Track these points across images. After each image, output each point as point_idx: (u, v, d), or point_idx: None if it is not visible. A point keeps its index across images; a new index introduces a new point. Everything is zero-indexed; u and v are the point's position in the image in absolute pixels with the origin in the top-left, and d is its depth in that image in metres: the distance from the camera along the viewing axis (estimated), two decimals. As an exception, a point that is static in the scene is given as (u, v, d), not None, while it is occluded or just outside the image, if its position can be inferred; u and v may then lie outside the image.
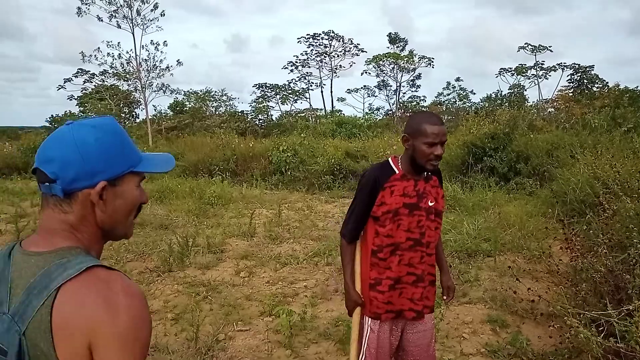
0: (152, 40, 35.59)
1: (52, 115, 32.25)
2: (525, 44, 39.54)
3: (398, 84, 44.26)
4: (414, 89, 44.91)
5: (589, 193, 6.28)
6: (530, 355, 3.50)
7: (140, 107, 35.44)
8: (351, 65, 48.63)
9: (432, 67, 43.98)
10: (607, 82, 33.79)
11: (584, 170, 7.18)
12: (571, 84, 37.12)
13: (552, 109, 30.53)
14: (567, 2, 75.52)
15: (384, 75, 44.13)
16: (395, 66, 43.21)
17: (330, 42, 43.71)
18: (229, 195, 10.37)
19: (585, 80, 36.50)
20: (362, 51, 43.97)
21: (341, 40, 43.55)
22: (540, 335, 3.73)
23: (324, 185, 12.10)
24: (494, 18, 79.85)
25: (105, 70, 31.72)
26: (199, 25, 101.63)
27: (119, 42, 31.01)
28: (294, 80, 44.64)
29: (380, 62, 42.98)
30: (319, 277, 5.42)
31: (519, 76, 41.13)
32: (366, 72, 44.34)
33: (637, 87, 21.17)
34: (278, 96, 43.04)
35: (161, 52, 29.75)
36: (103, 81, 35.23)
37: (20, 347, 0.90)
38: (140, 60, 29.64)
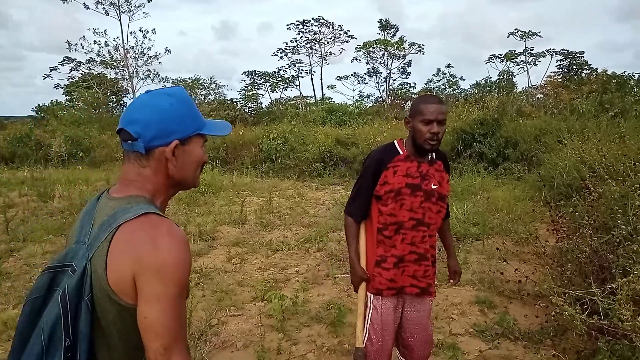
0: (140, 28, 35.17)
1: (38, 105, 31.69)
2: (515, 29, 39.62)
3: (388, 71, 44.20)
4: (404, 76, 44.89)
5: (575, 177, 6.37)
6: (517, 334, 3.58)
7: (129, 95, 35.06)
8: (341, 52, 48.60)
9: (423, 54, 44.22)
10: (597, 69, 34.01)
11: (571, 154, 7.28)
12: (560, 70, 37.32)
13: (541, 95, 30.72)
14: (556, -13, 75.62)
15: (374, 62, 44.03)
16: (386, 53, 43.11)
17: (320, 28, 43.45)
18: (220, 184, 10.36)
19: (574, 67, 36.71)
20: (352, 38, 43.79)
21: (331, 26, 43.31)
22: (527, 315, 3.82)
23: (315, 173, 12.13)
24: (485, 4, 79.80)
25: (91, 58, 31.36)
26: (187, 13, 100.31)
27: (105, 30, 30.64)
28: (283, 68, 44.41)
29: (371, 49, 42.84)
30: (310, 262, 5.47)
31: (508, 62, 41.25)
32: (356, 59, 44.19)
33: (624, 72, 21.39)
34: (268, 84, 42.82)
35: (149, 39, 29.44)
36: (90, 69, 34.79)
37: (85, 269, 1.11)
38: (128, 48, 29.29)
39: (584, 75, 33.64)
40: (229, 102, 34.11)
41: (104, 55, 29.84)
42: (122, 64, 30.15)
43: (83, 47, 29.11)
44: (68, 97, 34.60)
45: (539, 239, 4.24)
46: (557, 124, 11.19)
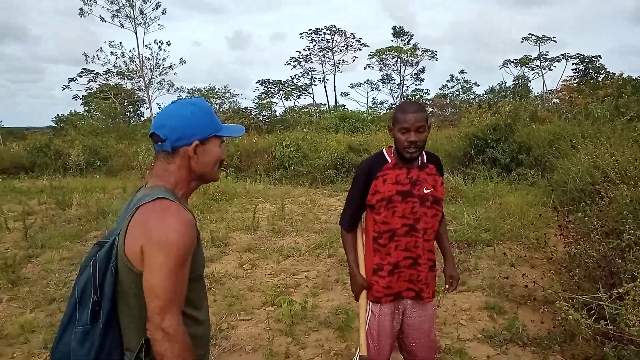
0: (155, 40, 35.78)
1: (57, 115, 32.48)
2: (528, 34, 39.40)
3: (401, 78, 44.23)
4: (417, 82, 44.90)
5: (588, 182, 6.31)
6: (525, 339, 3.57)
7: (145, 105, 35.63)
8: (354, 60, 48.72)
9: (436, 60, 43.99)
10: (614, 73, 33.56)
11: (584, 159, 7.21)
12: (576, 74, 36.92)
13: (557, 100, 30.43)
14: (571, -9, 74.90)
15: (387, 69, 44.11)
16: (399, 60, 43.15)
17: (332, 37, 43.74)
18: (233, 191, 10.47)
19: (590, 71, 36.29)
20: (365, 45, 43.99)
21: (343, 35, 43.57)
22: (534, 320, 3.80)
23: (327, 179, 12.19)
24: (497, 10, 79.40)
25: (108, 69, 31.96)
26: (201, 23, 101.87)
27: (120, 42, 31.23)
28: (297, 76, 44.75)
29: (384, 56, 42.91)
30: (320, 268, 5.51)
31: (523, 67, 40.97)
32: (369, 66, 44.36)
33: (640, 76, 21.08)
34: (281, 92, 43.11)
35: (164, 50, 29.94)
36: (107, 80, 35.48)
37: (114, 242, 1.39)
38: (143, 59, 29.80)
39: (600, 79, 33.21)
40: (244, 110, 34.48)
41: (120, 66, 30.38)
42: (138, 74, 30.65)
43: (100, 59, 29.70)
44: (86, 108, 35.29)
45: (548, 244, 4.22)
46: (571, 128, 11.08)
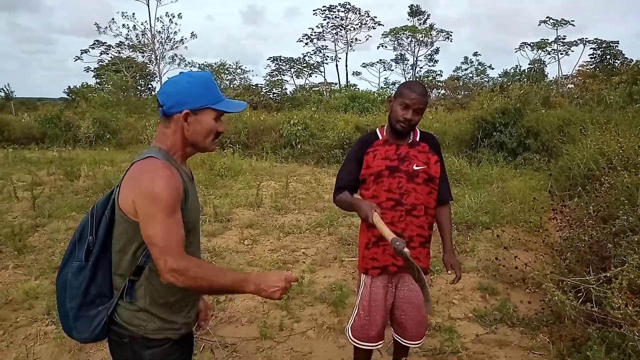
0: (167, 13, 35.58)
1: (69, 87, 32.69)
2: (546, 17, 38.61)
3: (415, 58, 43.74)
4: (431, 64, 44.38)
5: (592, 168, 6.29)
6: (515, 320, 3.64)
7: (156, 79, 35.64)
8: (367, 39, 48.03)
9: (451, 41, 43.35)
10: (631, 59, 32.90)
11: (590, 146, 7.17)
12: (593, 59, 36.22)
13: (572, 85, 29.96)
14: (593, -27, 72.90)
15: (401, 48, 43.60)
16: (413, 40, 42.61)
17: (346, 14, 43.20)
18: (239, 168, 10.55)
19: (608, 57, 35.57)
20: (379, 24, 43.46)
21: (358, 12, 43.02)
22: (523, 301, 3.87)
23: (333, 159, 12.21)
24: (516, -10, 77.55)
25: (121, 42, 31.96)
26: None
27: (133, 13, 31.11)
28: (309, 54, 44.38)
29: (398, 36, 42.37)
30: (320, 245, 5.59)
31: (539, 51, 40.28)
32: (383, 46, 43.90)
33: (658, 63, 20.59)
34: (293, 70, 42.85)
35: (175, 24, 29.81)
36: (119, 53, 35.49)
37: (112, 192, 1.59)
38: (155, 32, 29.71)
39: (617, 65, 32.57)
40: (254, 87, 34.36)
41: (132, 39, 30.33)
42: (149, 48, 30.60)
43: (112, 31, 29.71)
44: (98, 80, 35.43)
45: (544, 227, 4.25)
46: (581, 114, 10.98)
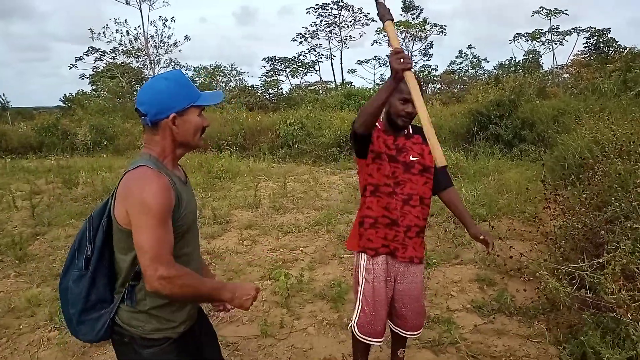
0: (160, 16, 35.57)
1: (65, 95, 32.65)
2: (540, 7, 38.60)
3: (410, 53, 43.67)
4: (426, 58, 44.39)
5: (586, 157, 6.32)
6: (512, 309, 3.68)
7: (151, 84, 35.59)
8: (361, 36, 48.18)
9: (445, 35, 43.31)
10: (626, 47, 32.93)
11: (585, 134, 7.20)
12: (587, 48, 36.24)
13: (567, 75, 30.00)
14: (584, -38, 72.85)
15: (395, 44, 43.52)
16: (407, 35, 42.58)
17: (339, 12, 43.15)
18: (237, 169, 10.59)
19: (602, 45, 35.59)
20: (373, 20, 43.36)
21: (351, 9, 42.97)
22: (520, 291, 3.89)
23: (331, 157, 12.24)
24: (509, -18, 77.50)
25: (115, 47, 31.94)
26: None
27: (125, 19, 31.07)
28: (303, 53, 44.39)
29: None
30: (318, 244, 5.62)
31: (533, 42, 40.30)
32: (377, 42, 43.79)
33: (652, 49, 20.62)
34: (288, 69, 42.85)
35: (169, 27, 29.81)
36: (114, 59, 35.47)
37: (108, 201, 1.62)
38: (148, 37, 29.72)
39: (611, 53, 32.59)
40: (250, 88, 34.38)
41: (125, 44, 30.33)
42: (143, 53, 30.60)
43: (106, 37, 29.68)
44: (93, 87, 35.42)
45: (539, 217, 4.29)
46: (575, 104, 11.02)
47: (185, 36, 35.57)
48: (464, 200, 6.49)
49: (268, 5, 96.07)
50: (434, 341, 3.33)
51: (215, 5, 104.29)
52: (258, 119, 15.26)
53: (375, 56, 45.05)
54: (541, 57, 39.00)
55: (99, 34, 29.69)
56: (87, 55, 37.15)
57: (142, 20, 32.86)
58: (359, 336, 2.55)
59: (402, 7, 42.92)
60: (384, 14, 2.12)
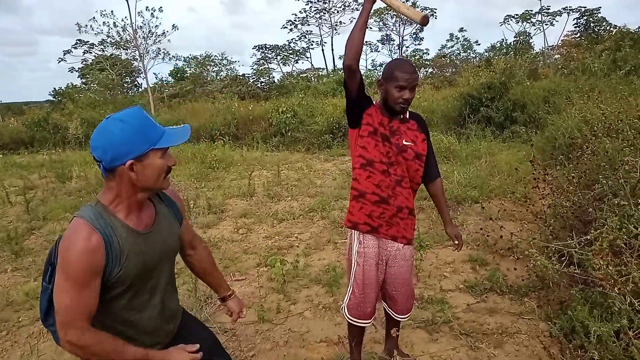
0: (147, 7, 35.17)
1: (54, 89, 32.34)
2: (529, -12, 38.40)
3: (401, 38, 43.55)
4: (417, 42, 44.27)
5: (576, 137, 6.38)
6: (504, 288, 3.75)
7: (142, 75, 35.35)
8: (351, 21, 47.65)
9: (435, 18, 43.06)
10: (616, 26, 32.93)
11: (575, 114, 7.26)
12: (577, 28, 36.22)
13: (558, 56, 30.02)
14: (574, -59, 72.23)
15: (386, 29, 43.37)
16: (398, 19, 42.37)
17: (329, -2, 42.78)
18: (230, 159, 10.59)
19: (592, 24, 35.57)
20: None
21: (340, -5, 42.60)
22: (509, 268, 3.97)
23: (324, 145, 12.26)
24: (498, -37, 77.01)
25: (103, 40, 31.62)
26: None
27: (112, 11, 30.71)
28: (294, 40, 44.08)
29: (382, 16, 42.13)
30: (313, 230, 5.68)
31: (524, 23, 40.23)
32: (368, 27, 43.51)
33: (639, 28, 20.70)
34: (279, 57, 42.59)
35: (156, 17, 29.50)
36: (102, 51, 35.14)
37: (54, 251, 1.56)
38: (136, 27, 29.40)
39: (601, 32, 32.60)
40: (241, 77, 34.17)
41: (113, 36, 30.02)
42: (132, 44, 30.31)
43: (93, 29, 29.37)
44: (83, 80, 35.11)
45: (529, 197, 4.35)
46: (566, 84, 11.07)
47: (173, 25, 35.30)
48: (455, 182, 6.56)
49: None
50: (428, 321, 3.40)
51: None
52: (250, 108, 15.22)
53: (366, 42, 44.72)
54: (532, 38, 39.00)
55: (86, 26, 29.36)
56: (76, 48, 36.80)
57: (129, 11, 32.46)
58: (349, 318, 2.62)
59: (391, -8, 42.60)
60: None
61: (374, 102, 2.47)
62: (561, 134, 6.92)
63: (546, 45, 37.50)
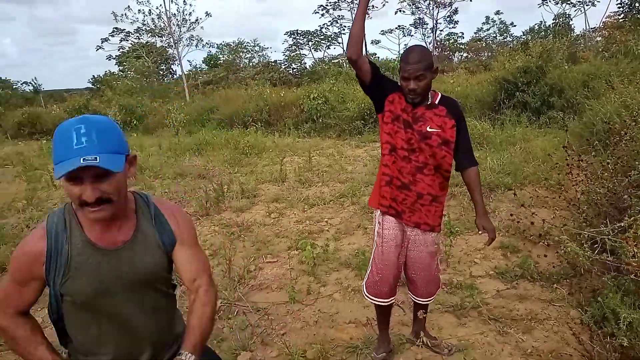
0: (180, -6, 35.66)
1: (93, 76, 33.38)
2: (571, -32, 36.93)
3: (435, 21, 42.66)
4: (451, 26, 43.28)
5: (615, 122, 6.20)
6: (535, 275, 3.73)
7: (176, 62, 35.95)
8: (384, 5, 46.88)
9: (471, 1, 41.91)
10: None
11: (615, 99, 7.04)
12: (621, 9, 34.59)
13: (600, 38, 28.84)
14: None
15: (419, 12, 42.56)
16: (431, 2, 41.49)
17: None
18: (262, 145, 10.75)
19: (637, 4, 33.89)
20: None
21: (373, -21, 41.94)
22: (539, 255, 3.92)
23: (355, 131, 12.25)
24: (539, -58, 74.08)
25: (139, 27, 32.26)
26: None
27: (148, -1, 31.25)
28: (325, 25, 43.83)
29: None
30: (343, 215, 5.75)
31: (563, 4, 38.74)
32: (400, 11, 42.79)
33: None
34: (310, 43, 42.46)
35: (189, 5, 29.89)
36: (138, 39, 35.85)
37: None
38: (170, 15, 29.86)
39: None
40: (273, 64, 34.34)
41: (148, 24, 30.60)
42: (167, 31, 30.83)
43: (128, 18, 29.99)
44: (120, 68, 36.02)
45: (563, 184, 4.29)
46: (607, 68, 10.68)
47: (206, 12, 35.55)
48: (489, 169, 6.49)
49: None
50: (457, 305, 3.43)
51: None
52: (282, 95, 15.32)
53: (399, 26, 43.99)
54: (572, 20, 37.55)
55: (122, 15, 30.04)
56: (113, 36, 37.66)
57: (164, -2, 32.89)
58: (366, 296, 2.69)
59: (424, -26, 41.70)
60: None
61: (399, 86, 2.43)
62: (599, 120, 6.72)
63: (587, 27, 36.09)
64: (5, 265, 4.61)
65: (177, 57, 31.39)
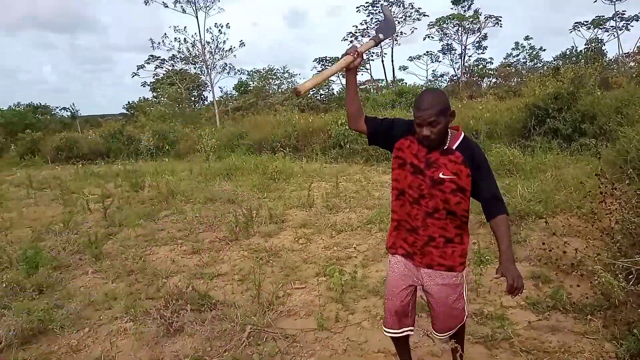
0: (215, 23, 36.85)
1: (128, 102, 34.52)
2: (602, -7, 36.61)
3: (463, 47, 42.69)
4: (480, 51, 43.17)
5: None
6: (568, 306, 3.65)
7: (208, 89, 36.93)
8: (412, 32, 47.56)
9: (500, 27, 41.84)
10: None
11: (650, 126, 6.90)
12: (656, 33, 33.94)
13: (633, 63, 28.31)
14: (652, -59, 67.98)
15: (447, 38, 42.69)
16: (460, 28, 41.61)
17: (390, 8, 42.73)
18: (290, 170, 10.88)
19: (672, 28, 33.22)
20: (424, 15, 42.62)
21: (401, 5, 42.48)
22: (572, 285, 3.84)
23: (382, 157, 12.27)
24: (568, -33, 73.92)
25: (174, 55, 33.39)
26: (258, 2, 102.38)
27: (185, 27, 32.39)
28: (353, 52, 44.25)
29: (444, 25, 41.54)
30: (371, 242, 5.75)
31: (595, 29, 38.32)
32: (429, 37, 43.04)
33: None
34: (339, 69, 42.93)
35: (224, 34, 30.84)
36: (173, 66, 37.06)
37: None
38: (204, 43, 30.83)
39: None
40: (301, 90, 34.76)
41: (183, 51, 31.64)
42: (200, 59, 31.80)
43: (165, 45, 31.11)
44: (154, 94, 37.17)
45: (596, 213, 4.21)
46: (641, 94, 10.48)
47: (240, 41, 36.63)
48: (519, 196, 6.40)
49: (317, 6, 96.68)
50: (487, 337, 3.38)
51: (266, 10, 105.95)
52: (310, 120, 15.54)
53: (427, 52, 44.12)
54: (604, 45, 37.02)
55: (159, 42, 31.18)
56: (148, 63, 39.03)
57: (199, 27, 34.12)
58: (383, 329, 2.67)
59: (451, 1, 41.96)
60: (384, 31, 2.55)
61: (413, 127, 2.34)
62: (633, 147, 6.59)
63: (620, 52, 35.50)
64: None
65: (210, 84, 32.28)
